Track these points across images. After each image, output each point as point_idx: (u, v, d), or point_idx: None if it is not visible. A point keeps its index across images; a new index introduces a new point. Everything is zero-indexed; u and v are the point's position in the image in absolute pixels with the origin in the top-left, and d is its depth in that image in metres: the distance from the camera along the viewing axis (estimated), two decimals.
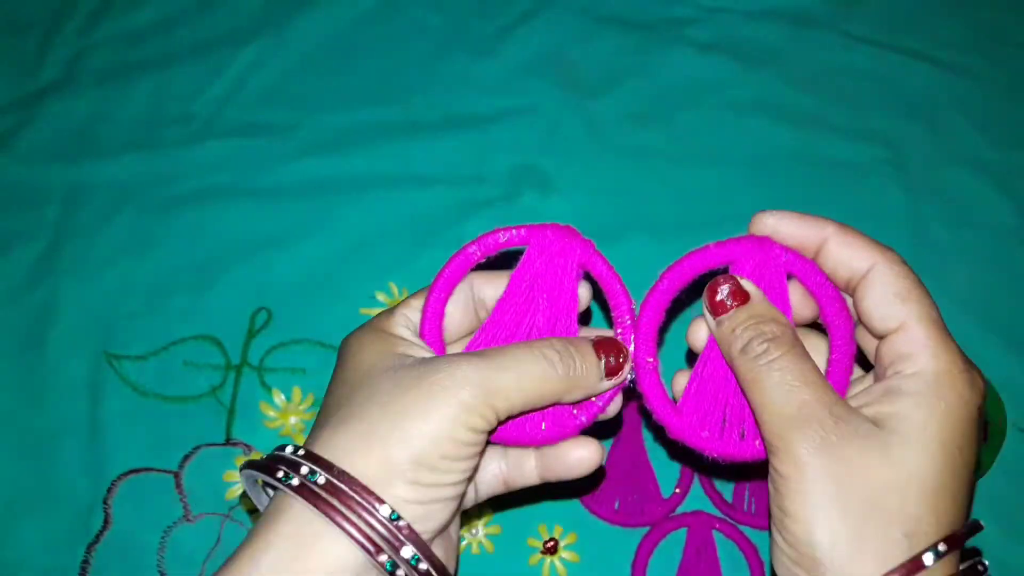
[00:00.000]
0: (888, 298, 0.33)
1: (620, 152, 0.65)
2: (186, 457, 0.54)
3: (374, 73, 0.69)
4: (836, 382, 0.35)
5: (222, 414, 0.56)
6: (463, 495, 0.34)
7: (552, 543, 0.52)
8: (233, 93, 0.68)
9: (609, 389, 0.37)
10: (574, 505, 0.53)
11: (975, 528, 0.31)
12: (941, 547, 0.29)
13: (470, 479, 0.34)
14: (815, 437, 0.30)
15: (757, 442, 0.36)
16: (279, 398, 0.56)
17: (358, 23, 0.71)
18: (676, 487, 0.54)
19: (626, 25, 0.70)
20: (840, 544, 0.29)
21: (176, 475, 0.54)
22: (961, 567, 0.31)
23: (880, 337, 0.34)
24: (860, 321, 0.35)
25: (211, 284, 0.60)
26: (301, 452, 0.32)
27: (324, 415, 0.34)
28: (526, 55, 0.69)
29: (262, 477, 0.32)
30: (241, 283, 0.60)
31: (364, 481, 0.30)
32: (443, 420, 0.31)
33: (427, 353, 0.36)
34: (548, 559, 0.52)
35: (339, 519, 0.30)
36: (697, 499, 0.53)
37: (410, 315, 0.38)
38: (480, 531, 0.52)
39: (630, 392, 0.39)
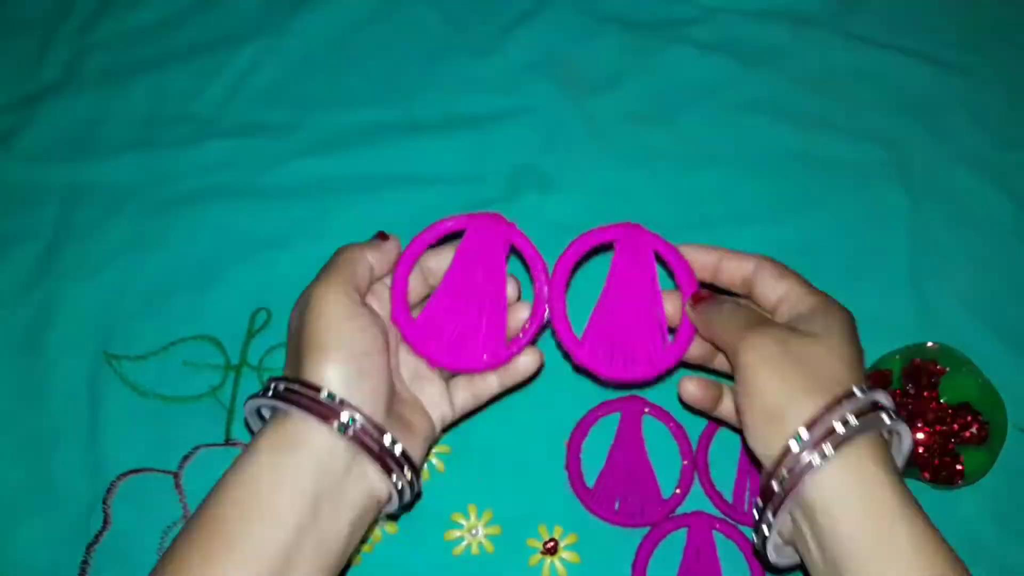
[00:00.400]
0: (772, 279, 0.47)
1: (620, 152, 0.65)
2: (185, 457, 0.54)
3: (374, 73, 0.69)
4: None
5: (222, 414, 0.56)
6: (387, 369, 0.44)
7: (552, 543, 0.52)
8: (233, 93, 0.67)
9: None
10: (574, 505, 0.53)
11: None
12: (865, 385, 0.40)
13: (386, 353, 0.44)
14: (768, 333, 0.42)
15: (638, 368, 0.48)
16: None
17: (358, 23, 0.71)
18: (676, 487, 0.53)
19: (626, 25, 0.70)
20: (795, 394, 0.40)
21: (175, 475, 0.54)
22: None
23: (774, 310, 0.47)
24: (759, 305, 0.48)
25: (211, 284, 0.60)
26: (270, 382, 0.43)
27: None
28: (526, 55, 0.69)
29: (255, 402, 0.43)
30: (241, 283, 0.60)
31: (306, 378, 0.41)
32: (326, 304, 0.43)
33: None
34: (548, 559, 0.52)
35: (294, 406, 0.40)
36: (697, 499, 0.53)
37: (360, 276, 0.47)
38: (480, 531, 0.52)
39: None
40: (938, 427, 0.54)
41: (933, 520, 0.38)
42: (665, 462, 0.54)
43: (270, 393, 0.42)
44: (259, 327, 0.58)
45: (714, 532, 0.52)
